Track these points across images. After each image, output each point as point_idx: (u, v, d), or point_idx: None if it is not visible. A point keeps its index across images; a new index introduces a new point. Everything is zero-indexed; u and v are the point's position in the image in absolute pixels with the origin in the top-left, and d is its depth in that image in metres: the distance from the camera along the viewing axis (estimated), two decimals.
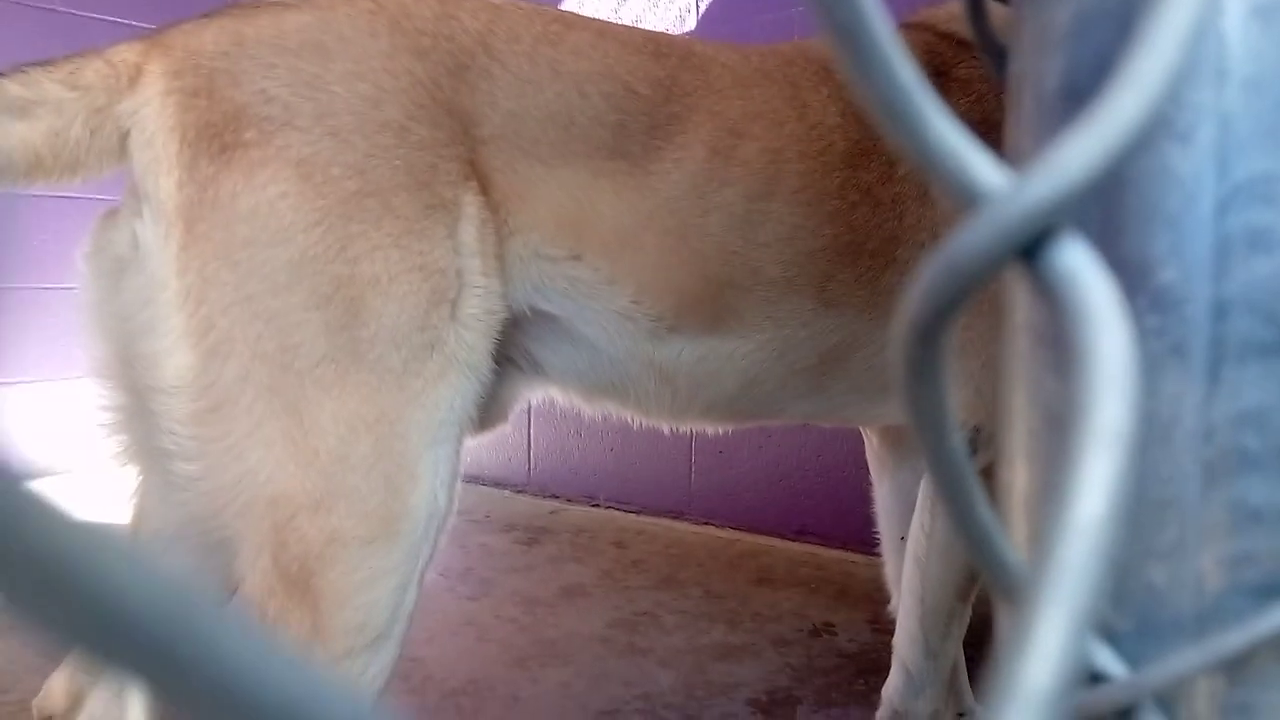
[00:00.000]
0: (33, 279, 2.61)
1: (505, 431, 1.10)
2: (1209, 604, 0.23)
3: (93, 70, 0.77)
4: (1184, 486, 0.23)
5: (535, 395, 1.08)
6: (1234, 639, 0.22)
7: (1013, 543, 0.23)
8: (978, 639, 1.17)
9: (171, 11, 0.94)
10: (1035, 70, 0.25)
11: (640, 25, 2.28)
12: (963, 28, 1.04)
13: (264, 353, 0.75)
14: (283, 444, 0.76)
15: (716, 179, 0.94)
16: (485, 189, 0.87)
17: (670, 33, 1.87)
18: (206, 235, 0.75)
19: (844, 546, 2.05)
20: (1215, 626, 0.23)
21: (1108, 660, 0.23)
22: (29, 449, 2.56)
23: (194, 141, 0.76)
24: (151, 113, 0.77)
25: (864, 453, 1.38)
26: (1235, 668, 0.23)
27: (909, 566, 1.12)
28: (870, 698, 1.28)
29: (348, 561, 0.77)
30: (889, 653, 1.17)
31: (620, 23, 1.21)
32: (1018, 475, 0.26)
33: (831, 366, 1.04)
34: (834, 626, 1.65)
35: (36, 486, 0.07)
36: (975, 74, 1.02)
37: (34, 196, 2.56)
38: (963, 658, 1.19)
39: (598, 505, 2.53)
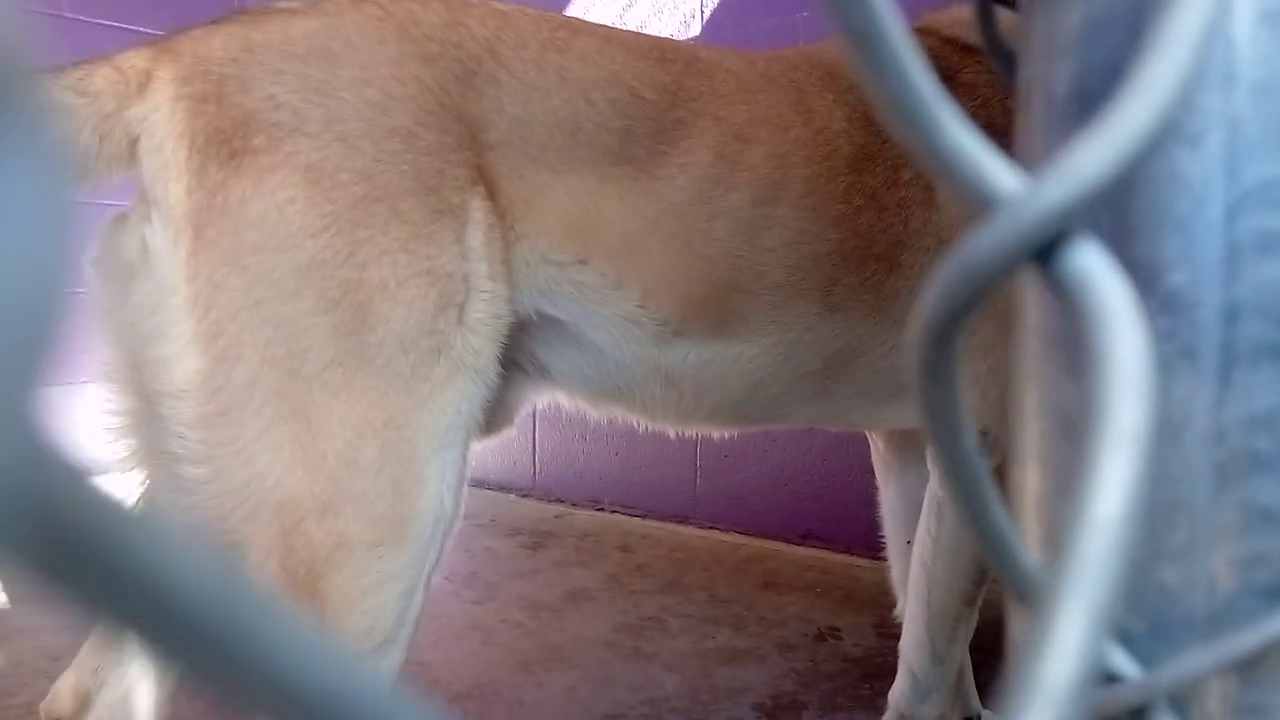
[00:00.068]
0: None
1: (510, 436, 1.10)
2: (1221, 605, 0.23)
3: (101, 76, 0.78)
4: (1195, 488, 0.23)
5: (541, 399, 1.08)
6: (1246, 640, 0.23)
7: (1025, 544, 0.23)
8: (984, 643, 1.17)
9: (180, 18, 0.95)
10: (1045, 75, 0.25)
11: (645, 31, 2.28)
12: (967, 32, 1.05)
13: (272, 357, 0.75)
14: (291, 448, 0.76)
15: (722, 184, 0.94)
16: (492, 194, 0.87)
17: (675, 38, 1.88)
18: (215, 241, 0.76)
19: (849, 551, 2.05)
20: (1227, 627, 0.23)
21: (1121, 661, 0.23)
22: None
23: (203, 147, 0.76)
24: (161, 119, 0.77)
25: (869, 457, 1.38)
26: (1247, 668, 0.23)
27: (915, 571, 1.12)
28: (876, 702, 1.28)
29: (355, 565, 0.77)
30: (894, 657, 1.17)
31: (625, 29, 1.21)
32: (1029, 477, 0.27)
33: (836, 371, 1.04)
34: (839, 631, 1.65)
35: (99, 481, 0.08)
36: (980, 79, 1.02)
37: None
38: (969, 662, 1.19)
39: (603, 509, 2.53)
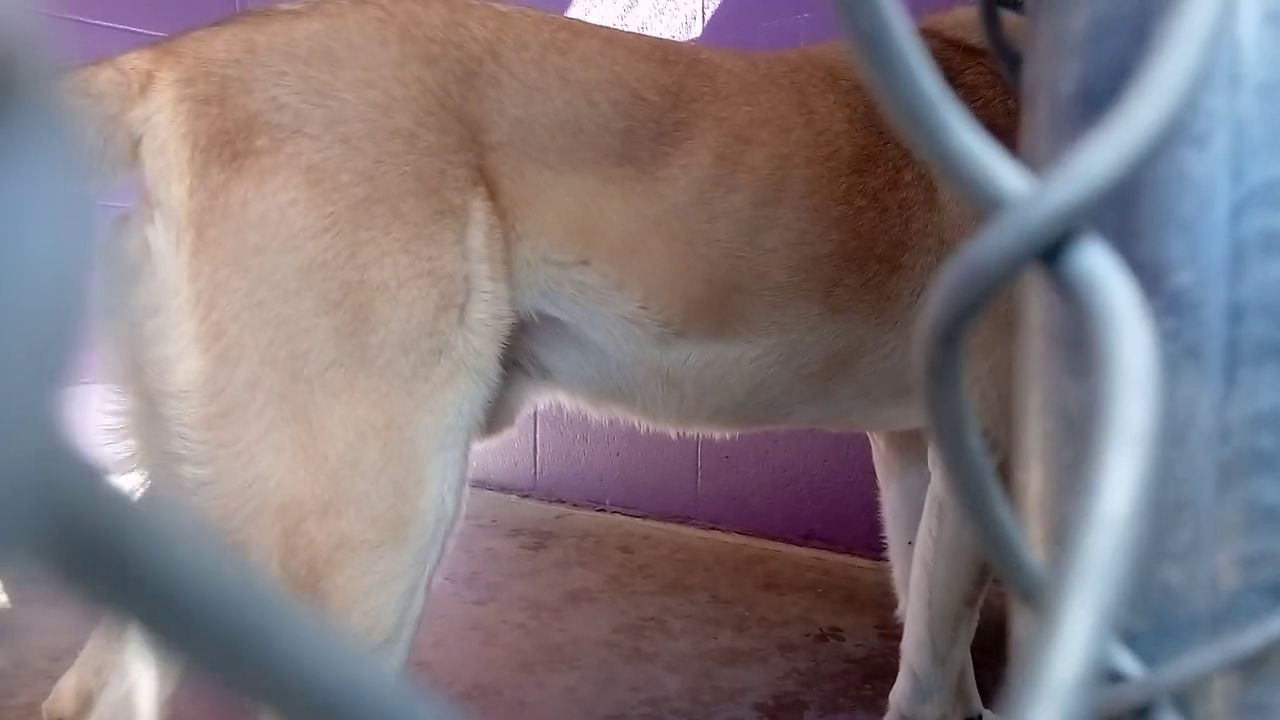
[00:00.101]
0: None
1: (511, 436, 1.10)
2: (1224, 604, 0.23)
3: (104, 78, 0.78)
4: (1199, 487, 0.24)
5: (542, 400, 1.08)
6: (1249, 638, 0.23)
7: (1029, 544, 0.23)
8: (985, 643, 1.17)
9: (182, 19, 0.95)
10: (1051, 76, 0.26)
11: (646, 32, 2.28)
12: (969, 34, 1.05)
13: (274, 358, 0.76)
14: (292, 449, 0.76)
15: (723, 185, 0.94)
16: (493, 195, 0.87)
17: (677, 39, 1.88)
18: (217, 242, 0.76)
19: (850, 551, 2.05)
20: (1231, 626, 0.23)
21: (1124, 660, 0.23)
22: None
23: (205, 148, 0.77)
24: (163, 120, 0.77)
25: (870, 457, 1.38)
26: (1251, 667, 0.23)
27: (916, 571, 1.12)
28: (877, 703, 1.28)
29: (356, 566, 0.77)
30: (896, 658, 1.17)
31: (627, 30, 1.21)
32: (1033, 476, 0.27)
33: (838, 371, 1.04)
34: (841, 631, 1.65)
35: (115, 480, 0.08)
36: (982, 80, 1.02)
37: None
38: (970, 662, 1.19)
39: (604, 510, 2.53)
